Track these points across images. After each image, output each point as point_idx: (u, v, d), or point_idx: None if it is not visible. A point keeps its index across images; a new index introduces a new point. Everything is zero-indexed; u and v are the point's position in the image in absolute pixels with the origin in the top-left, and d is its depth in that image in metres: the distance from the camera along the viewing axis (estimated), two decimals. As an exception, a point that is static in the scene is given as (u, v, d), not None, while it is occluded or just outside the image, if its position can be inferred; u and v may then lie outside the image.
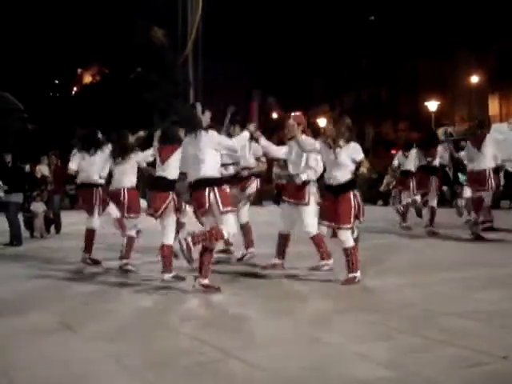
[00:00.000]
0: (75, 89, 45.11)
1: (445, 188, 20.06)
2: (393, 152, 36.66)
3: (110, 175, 8.60)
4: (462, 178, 18.53)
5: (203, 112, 6.64)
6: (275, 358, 4.08)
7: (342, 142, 6.72)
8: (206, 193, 6.31)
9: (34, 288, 7.08)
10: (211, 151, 6.44)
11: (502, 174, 11.93)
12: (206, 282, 6.33)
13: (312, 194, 7.60)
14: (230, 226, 6.45)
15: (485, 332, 4.59)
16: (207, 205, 6.32)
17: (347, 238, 6.67)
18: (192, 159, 6.50)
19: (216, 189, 6.35)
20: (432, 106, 35.39)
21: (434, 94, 36.37)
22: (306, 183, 7.57)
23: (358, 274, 6.69)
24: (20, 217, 12.41)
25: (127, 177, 8.20)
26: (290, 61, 49.28)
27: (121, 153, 8.19)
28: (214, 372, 3.85)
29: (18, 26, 37.10)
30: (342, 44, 47.18)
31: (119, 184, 8.23)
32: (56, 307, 5.95)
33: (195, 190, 6.47)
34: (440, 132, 12.81)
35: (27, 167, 13.57)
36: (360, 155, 6.79)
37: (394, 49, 43.77)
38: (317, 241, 7.64)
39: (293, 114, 7.85)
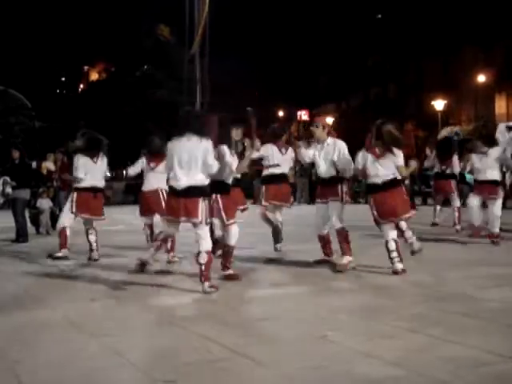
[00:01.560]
0: (82, 86, 45.20)
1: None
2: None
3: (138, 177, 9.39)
4: (468, 177, 18.49)
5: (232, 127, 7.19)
6: (281, 356, 4.06)
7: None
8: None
9: (39, 284, 7.09)
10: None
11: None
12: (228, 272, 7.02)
13: (344, 193, 7.81)
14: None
15: (493, 331, 4.56)
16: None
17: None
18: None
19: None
20: (439, 105, 35.30)
21: (441, 93, 36.29)
22: (338, 181, 7.73)
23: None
24: (26, 213, 12.43)
25: (163, 179, 8.62)
26: (297, 59, 49.22)
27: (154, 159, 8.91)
28: (220, 369, 3.84)
29: (25, 24, 37.17)
30: (348, 42, 47.11)
31: (155, 186, 8.92)
32: (61, 303, 5.95)
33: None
34: (445, 132, 12.75)
35: (34, 164, 13.60)
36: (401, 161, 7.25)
37: (400, 47, 43.68)
38: (340, 236, 7.71)
39: (317, 117, 8.25)
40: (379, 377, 3.61)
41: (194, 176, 6.23)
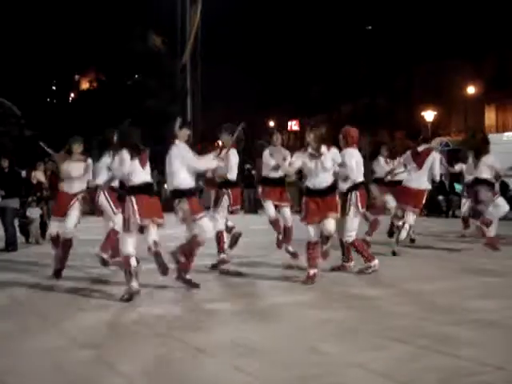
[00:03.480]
0: (72, 95, 45.13)
1: (440, 198, 20.11)
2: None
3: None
4: (457, 187, 18.59)
5: (181, 128, 7.14)
6: (271, 366, 4.07)
7: (323, 149, 7.43)
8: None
9: (28, 293, 7.05)
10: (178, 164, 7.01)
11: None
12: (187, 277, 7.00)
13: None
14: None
15: (481, 342, 4.58)
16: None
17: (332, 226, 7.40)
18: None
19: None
20: (429, 116, 35.48)
21: (431, 104, 36.48)
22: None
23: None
24: (15, 222, 12.38)
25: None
26: (288, 69, 49.36)
27: None
28: (210, 379, 3.84)
29: (16, 31, 37.11)
30: (339, 53, 47.29)
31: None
32: (50, 313, 5.93)
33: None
34: (436, 142, 12.82)
35: (23, 173, 13.54)
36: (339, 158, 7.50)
37: (390, 58, 43.89)
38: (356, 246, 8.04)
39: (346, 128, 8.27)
40: (368, 387, 3.62)
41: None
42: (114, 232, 8.24)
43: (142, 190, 6.59)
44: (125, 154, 6.55)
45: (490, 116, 40.30)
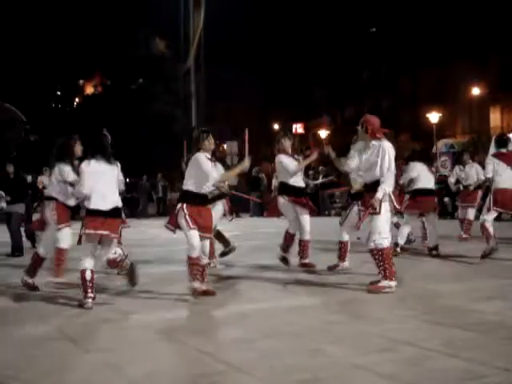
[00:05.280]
0: (77, 100, 45.22)
1: (446, 200, 20.06)
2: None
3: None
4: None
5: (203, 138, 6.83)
6: (275, 369, 4.07)
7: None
8: None
9: (34, 298, 7.07)
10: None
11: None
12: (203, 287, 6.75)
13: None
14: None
15: (487, 344, 4.58)
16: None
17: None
18: None
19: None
20: (433, 117, 35.43)
21: (436, 106, 36.44)
22: None
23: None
24: (22, 227, 12.41)
25: None
26: (292, 71, 49.39)
27: None
28: (216, 382, 3.85)
29: (20, 37, 37.21)
30: (343, 55, 47.33)
31: None
32: (56, 317, 5.94)
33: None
34: (441, 144, 12.84)
35: (29, 178, 13.57)
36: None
37: (395, 60, 43.90)
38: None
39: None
40: (374, 390, 3.62)
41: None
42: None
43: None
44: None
45: (495, 117, 40.26)
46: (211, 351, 4.52)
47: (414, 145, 41.15)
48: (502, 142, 9.52)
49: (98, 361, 4.38)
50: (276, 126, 51.74)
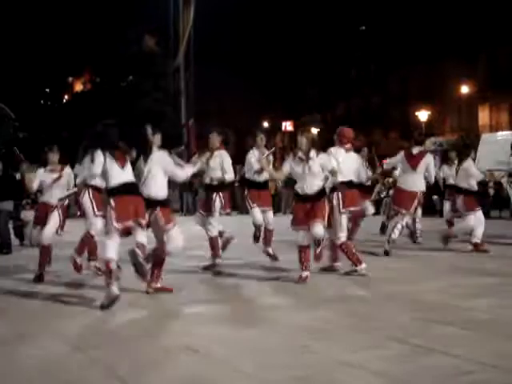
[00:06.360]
0: (66, 97, 45.05)
1: (435, 197, 20.14)
2: (384, 162, 36.55)
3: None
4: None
5: (154, 134, 6.95)
6: (264, 366, 4.07)
7: (312, 154, 7.39)
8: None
9: (22, 296, 7.03)
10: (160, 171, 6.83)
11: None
12: (158, 285, 6.92)
13: None
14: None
15: (476, 340, 4.60)
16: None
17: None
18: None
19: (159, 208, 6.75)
20: (422, 115, 35.55)
21: (425, 104, 36.57)
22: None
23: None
24: (10, 224, 12.36)
25: None
26: (282, 70, 49.40)
27: None
28: (204, 381, 3.85)
29: (9, 34, 37.01)
30: (333, 54, 47.38)
31: None
32: (45, 315, 5.92)
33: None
34: (429, 142, 12.88)
35: (18, 175, 13.51)
36: (331, 164, 7.49)
37: (384, 58, 44.00)
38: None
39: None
40: (363, 387, 3.63)
41: None
42: (88, 235, 8.28)
43: (121, 191, 6.30)
44: (98, 154, 6.33)
45: (484, 115, 40.43)
46: (200, 349, 4.51)
47: (403, 143, 41.42)
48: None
49: (88, 359, 4.36)
50: (266, 124, 51.74)
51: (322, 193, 7.45)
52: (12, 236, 12.40)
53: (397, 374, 3.82)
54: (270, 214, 9.33)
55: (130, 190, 6.38)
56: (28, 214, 13.35)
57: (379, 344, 4.54)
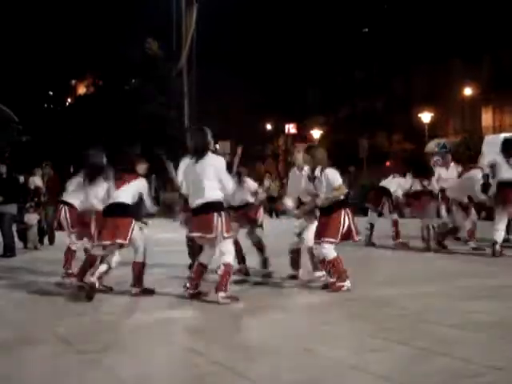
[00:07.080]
0: (69, 100, 45.13)
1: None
2: (387, 164, 36.53)
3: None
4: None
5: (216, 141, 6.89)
6: (269, 369, 4.06)
7: (317, 171, 7.09)
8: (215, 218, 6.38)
9: (26, 299, 7.04)
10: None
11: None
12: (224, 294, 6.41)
13: None
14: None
15: (479, 343, 4.58)
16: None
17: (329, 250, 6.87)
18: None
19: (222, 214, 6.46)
20: (426, 117, 35.50)
21: (428, 106, 36.52)
22: None
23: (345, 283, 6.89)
24: (14, 228, 12.37)
25: None
26: (285, 72, 49.36)
27: None
28: (210, 383, 3.84)
29: (12, 37, 37.12)
30: (336, 55, 47.35)
31: None
32: (49, 319, 5.92)
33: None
34: (433, 144, 12.85)
35: (21, 178, 13.52)
36: (338, 181, 7.01)
37: (387, 61, 43.96)
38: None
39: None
40: (367, 389, 3.61)
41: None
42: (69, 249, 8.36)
43: (106, 212, 6.89)
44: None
45: (487, 117, 40.33)
46: (204, 352, 4.51)
47: (406, 145, 41.38)
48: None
49: (89, 362, 4.36)
50: (269, 126, 51.71)
51: (336, 206, 7.01)
52: (16, 239, 12.40)
53: (401, 377, 3.81)
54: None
55: (114, 211, 6.84)
56: (32, 218, 13.35)
57: (385, 347, 4.53)
